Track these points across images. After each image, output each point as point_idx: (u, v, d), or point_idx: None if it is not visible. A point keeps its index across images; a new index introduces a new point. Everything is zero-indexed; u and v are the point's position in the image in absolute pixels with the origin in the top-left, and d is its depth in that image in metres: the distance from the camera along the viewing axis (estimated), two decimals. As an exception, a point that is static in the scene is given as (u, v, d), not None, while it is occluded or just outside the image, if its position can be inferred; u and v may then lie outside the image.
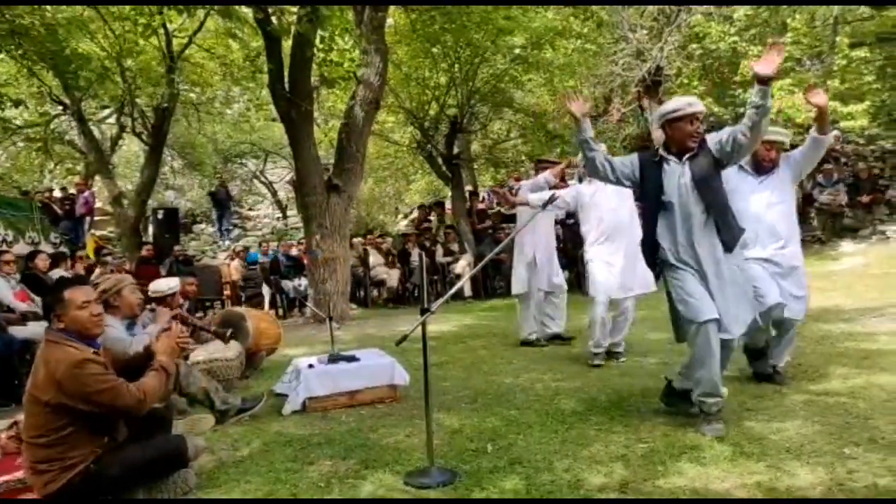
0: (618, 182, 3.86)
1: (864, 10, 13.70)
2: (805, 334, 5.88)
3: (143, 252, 11.97)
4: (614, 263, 5.46)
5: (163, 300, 5.05)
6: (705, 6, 13.11)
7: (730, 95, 13.42)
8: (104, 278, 4.41)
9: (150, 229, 15.27)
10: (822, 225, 12.86)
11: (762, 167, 4.38)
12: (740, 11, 12.83)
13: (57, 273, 7.63)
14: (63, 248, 10.30)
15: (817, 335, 5.83)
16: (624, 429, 3.68)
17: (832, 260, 11.03)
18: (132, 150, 18.83)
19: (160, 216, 15.07)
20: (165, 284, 5.22)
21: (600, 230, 5.56)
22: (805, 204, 13.89)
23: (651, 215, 3.76)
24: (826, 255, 11.51)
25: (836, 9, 13.37)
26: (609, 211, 5.52)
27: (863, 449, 3.13)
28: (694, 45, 13.50)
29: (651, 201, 3.76)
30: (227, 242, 17.32)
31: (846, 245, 12.34)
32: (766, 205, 4.30)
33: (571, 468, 3.16)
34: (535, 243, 6.57)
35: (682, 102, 3.66)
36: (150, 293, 5.14)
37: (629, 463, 3.18)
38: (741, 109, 13.61)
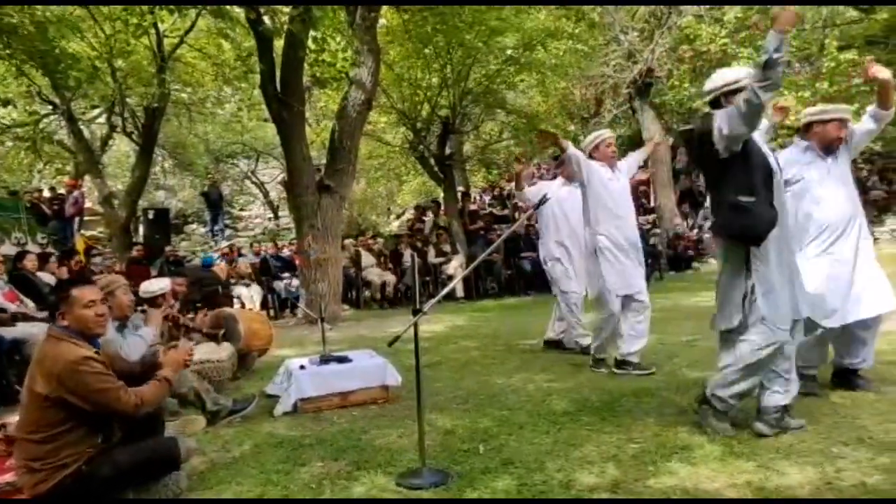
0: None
1: (853, 13, 13.82)
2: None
3: (134, 252, 11.91)
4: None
5: (153, 301, 5.04)
6: (696, 8, 13.17)
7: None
8: (97, 278, 4.39)
9: (141, 229, 15.20)
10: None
11: (830, 148, 4.21)
12: (731, 14, 12.91)
13: (43, 275, 7.59)
14: (50, 249, 10.24)
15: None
16: (615, 429, 3.69)
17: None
18: (122, 149, 18.76)
19: (151, 216, 15.01)
20: (156, 285, 5.20)
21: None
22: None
23: None
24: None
25: (825, 11, 13.48)
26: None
27: (851, 448, 3.16)
28: (685, 47, 13.58)
29: None
30: (220, 243, 17.25)
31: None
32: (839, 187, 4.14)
33: (563, 468, 3.17)
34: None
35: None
36: (140, 293, 5.13)
37: (620, 463, 3.19)
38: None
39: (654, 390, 4.45)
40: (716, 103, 3.52)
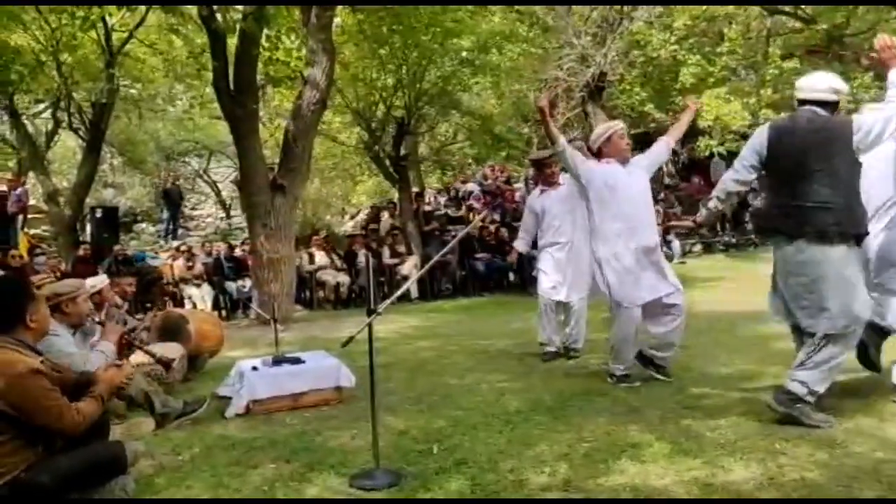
0: None
1: (795, 23, 14.34)
2: (740, 335, 6.12)
3: (81, 252, 11.57)
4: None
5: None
6: (647, 14, 13.46)
7: (670, 102, 13.83)
8: (61, 283, 4.27)
9: (88, 228, 14.75)
10: (756, 229, 13.36)
11: None
12: (679, 21, 13.25)
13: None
14: None
15: (752, 335, 6.06)
16: (567, 428, 3.75)
17: (765, 263, 11.44)
18: (69, 146, 18.17)
19: (99, 215, 14.56)
20: (90, 282, 5.09)
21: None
22: (740, 208, 14.45)
23: None
24: (759, 258, 11.94)
25: (769, 21, 13.95)
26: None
27: (792, 444, 3.28)
28: (636, 52, 13.87)
29: None
30: (176, 242, 16.81)
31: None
32: None
33: (516, 468, 3.21)
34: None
35: None
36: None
37: (572, 462, 3.25)
38: (679, 116, 14.09)
39: (606, 389, 4.53)
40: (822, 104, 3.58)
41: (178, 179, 19.32)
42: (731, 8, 13.31)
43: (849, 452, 3.15)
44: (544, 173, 6.10)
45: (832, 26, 13.22)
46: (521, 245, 6.39)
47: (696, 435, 3.50)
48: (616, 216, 4.53)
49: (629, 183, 4.60)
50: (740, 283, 9.79)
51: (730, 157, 15.60)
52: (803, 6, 13.71)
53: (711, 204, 4.18)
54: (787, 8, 13.86)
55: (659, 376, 4.68)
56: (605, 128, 4.89)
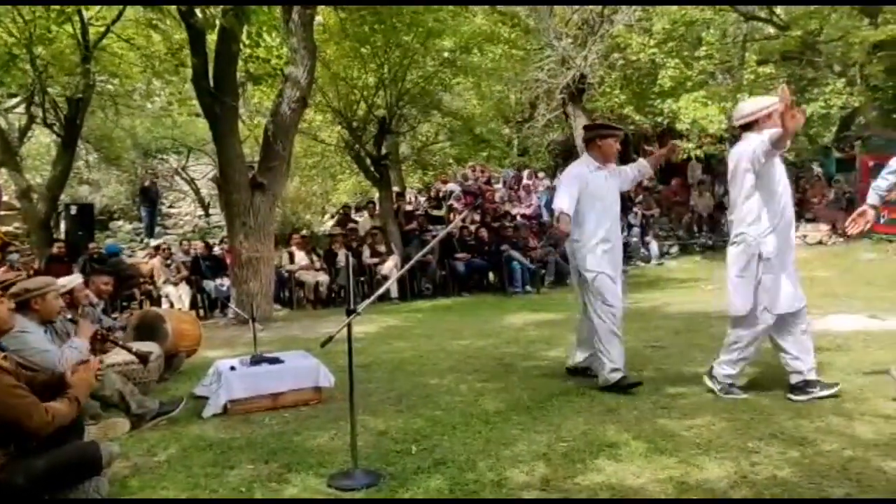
0: None
1: (771, 29, 14.56)
2: (717, 335, 6.18)
3: (55, 250, 11.37)
4: None
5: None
6: (627, 18, 13.58)
7: (649, 105, 13.96)
8: (31, 280, 4.22)
9: (63, 226, 14.53)
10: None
11: None
12: (658, 25, 13.38)
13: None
14: None
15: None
16: (546, 428, 3.78)
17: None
18: (43, 141, 17.84)
19: (73, 212, 14.33)
20: (63, 281, 5.04)
21: None
22: (717, 210, 14.64)
23: None
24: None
25: (745, 27, 14.14)
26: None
27: (764, 443, 3.35)
28: (616, 55, 13.99)
29: None
30: (154, 241, 16.61)
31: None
32: None
33: (494, 467, 3.23)
34: None
35: None
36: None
37: (550, 461, 3.28)
38: (659, 119, 14.26)
39: (583, 390, 4.57)
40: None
41: (156, 177, 19.09)
42: (708, 13, 13.48)
43: (819, 451, 3.23)
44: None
45: (806, 33, 13.43)
46: None
47: (672, 434, 3.55)
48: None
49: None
50: (717, 285, 9.91)
51: (707, 160, 15.84)
52: (777, 11, 13.93)
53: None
54: (762, 14, 14.07)
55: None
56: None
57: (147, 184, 17.93)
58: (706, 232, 14.53)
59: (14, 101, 14.29)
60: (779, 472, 3.00)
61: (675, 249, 14.74)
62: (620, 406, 4.12)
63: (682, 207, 15.50)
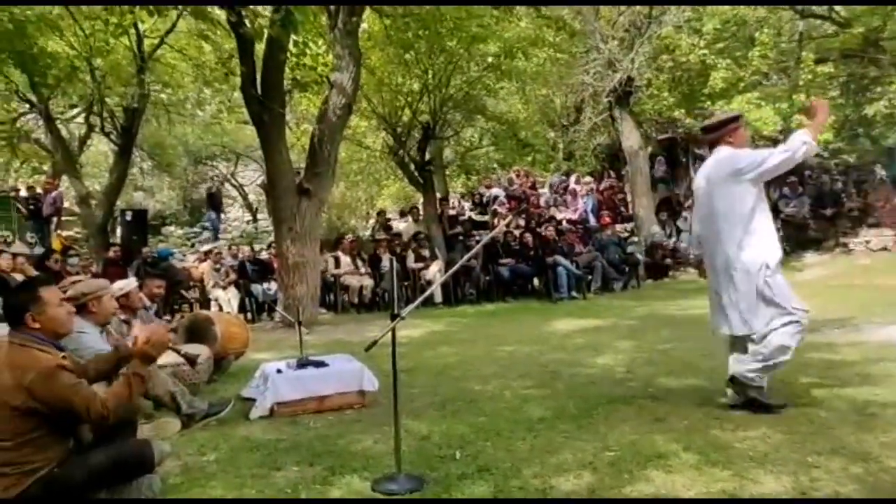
0: None
1: (829, 27, 14.09)
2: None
3: (111, 253, 11.75)
4: None
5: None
6: (676, 18, 13.33)
7: (699, 106, 13.66)
8: (86, 283, 4.36)
9: (119, 230, 15.01)
10: (786, 236, 13.17)
11: None
12: (709, 25, 13.09)
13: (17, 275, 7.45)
14: (39, 248, 10.07)
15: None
16: (592, 436, 3.71)
17: (796, 271, 11.27)
18: (101, 149, 18.52)
19: (128, 217, 14.82)
20: (119, 284, 5.18)
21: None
22: (772, 215, 14.21)
23: None
24: (790, 265, 11.76)
25: (801, 24, 13.71)
26: None
27: (825, 458, 3.20)
28: (664, 57, 13.73)
29: None
30: (220, 243, 16.97)
31: (809, 257, 12.63)
32: None
33: (539, 475, 3.17)
34: None
35: None
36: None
37: (597, 470, 3.20)
38: (708, 121, 13.92)
39: (630, 398, 4.47)
40: None
41: (221, 183, 19.58)
42: (762, 11, 13.11)
43: (885, 467, 3.07)
44: None
45: (868, 30, 12.95)
46: None
47: (724, 446, 3.43)
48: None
49: None
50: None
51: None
52: (837, 9, 13.47)
53: None
54: (821, 11, 13.62)
55: None
56: None
57: (213, 190, 18.45)
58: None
59: (75, 111, 14.87)
60: (841, 488, 2.86)
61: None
62: (669, 416, 4.01)
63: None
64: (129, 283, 5.55)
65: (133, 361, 2.98)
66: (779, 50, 13.59)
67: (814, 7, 13.46)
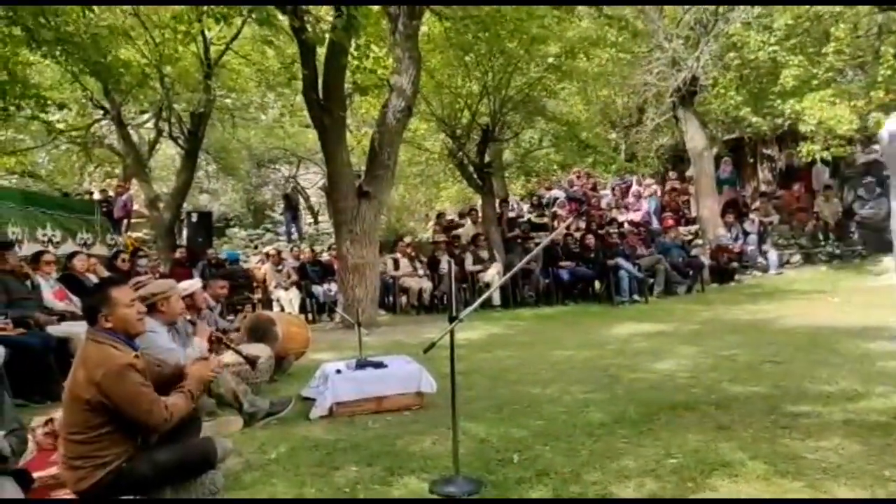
0: None
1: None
2: (844, 352, 5.73)
3: (177, 255, 12.16)
4: None
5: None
6: (744, 15, 12.90)
7: (768, 106, 13.17)
8: (155, 283, 4.51)
9: (185, 232, 15.51)
10: (862, 239, 12.57)
11: None
12: (781, 20, 12.60)
13: (92, 276, 7.78)
14: (120, 249, 10.52)
15: (857, 353, 5.66)
16: (653, 443, 3.61)
17: (873, 276, 10.75)
18: (168, 153, 19.20)
19: (194, 219, 15.31)
20: (184, 284, 5.35)
21: None
22: (845, 217, 13.60)
23: None
24: (866, 270, 11.22)
25: (880, 17, 13.04)
26: None
27: (903, 471, 3.03)
28: (731, 55, 13.29)
29: None
30: (301, 244, 17.36)
31: (888, 260, 11.98)
32: None
33: (599, 481, 3.11)
34: None
35: None
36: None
37: (659, 477, 3.12)
38: (779, 120, 13.42)
39: (693, 405, 4.33)
40: None
41: (298, 184, 20.02)
42: (837, 8, 12.53)
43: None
44: None
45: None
46: None
47: (794, 456, 3.29)
48: None
49: None
50: (844, 297, 9.20)
51: (834, 163, 14.74)
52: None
53: None
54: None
55: None
56: None
57: (289, 191, 18.93)
58: (832, 241, 13.50)
59: (145, 116, 15.47)
60: (921, 503, 2.71)
61: (796, 259, 13.81)
62: (734, 424, 3.87)
63: (804, 214, 14.49)
64: (194, 284, 5.72)
65: (189, 381, 3.11)
66: (855, 45, 12.96)
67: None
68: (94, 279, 7.40)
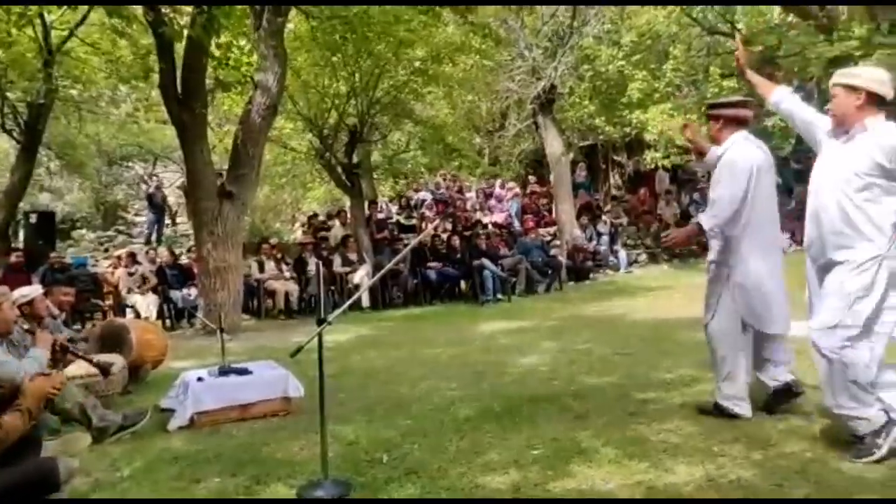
0: None
1: (733, 43, 14.86)
2: (682, 342, 6.28)
3: (13, 259, 11.07)
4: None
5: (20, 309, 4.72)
6: (596, 30, 13.78)
7: (618, 115, 14.16)
8: None
9: (22, 234, 14.19)
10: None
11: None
12: (626, 38, 13.60)
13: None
14: None
15: (692, 342, 6.20)
16: (517, 435, 3.79)
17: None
18: (2, 147, 17.44)
19: (33, 220, 14.02)
20: (23, 291, 4.93)
21: None
22: (683, 220, 14.88)
23: None
24: (701, 268, 12.29)
25: (709, 40, 14.42)
26: None
27: (728, 446, 3.41)
28: (585, 67, 14.16)
29: None
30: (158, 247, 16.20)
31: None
32: None
33: (467, 475, 3.22)
34: None
35: None
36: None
37: (522, 467, 3.28)
38: (627, 129, 14.46)
39: (553, 397, 4.59)
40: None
41: (161, 184, 18.64)
42: (674, 27, 13.70)
43: (781, 452, 3.29)
44: None
45: (765, 48, 13.77)
46: None
47: (642, 439, 3.59)
48: None
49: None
50: (683, 292, 10.06)
51: (673, 170, 16.11)
52: (739, 27, 14.25)
53: None
54: (724, 28, 14.39)
55: None
56: None
57: (152, 190, 17.65)
58: (672, 241, 14.72)
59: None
60: (743, 473, 3.06)
61: (643, 258, 14.92)
62: (590, 413, 4.14)
63: (650, 216, 15.70)
64: (33, 290, 5.26)
65: (27, 397, 2.88)
66: (689, 63, 14.24)
67: (718, 24, 14.18)
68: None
